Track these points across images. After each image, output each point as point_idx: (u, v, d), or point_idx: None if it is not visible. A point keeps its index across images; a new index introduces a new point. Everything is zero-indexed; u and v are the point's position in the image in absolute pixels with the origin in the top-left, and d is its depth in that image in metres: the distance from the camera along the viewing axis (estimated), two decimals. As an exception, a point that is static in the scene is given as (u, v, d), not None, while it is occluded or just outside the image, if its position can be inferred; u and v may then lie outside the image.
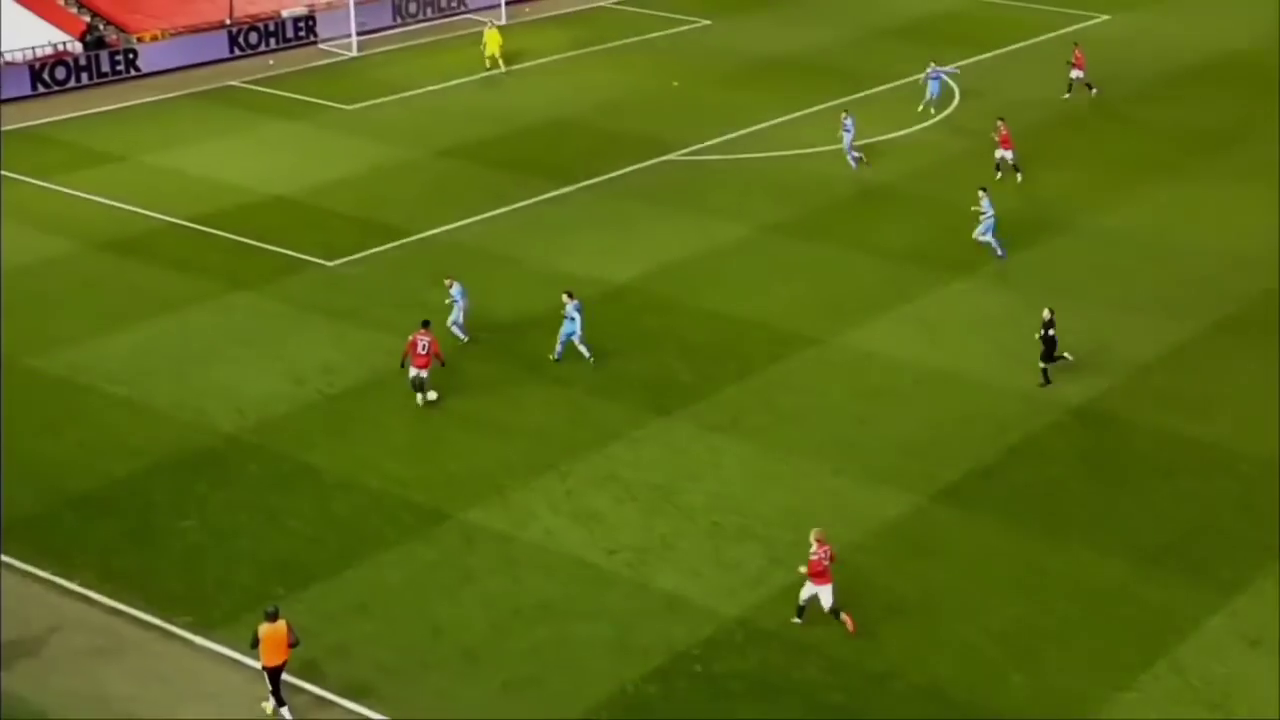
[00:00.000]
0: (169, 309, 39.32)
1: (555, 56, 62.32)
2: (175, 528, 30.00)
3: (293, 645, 24.91)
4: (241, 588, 28.18)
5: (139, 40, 60.67)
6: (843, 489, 31.47)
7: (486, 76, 59.22)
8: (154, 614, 27.26)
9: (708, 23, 67.37)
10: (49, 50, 58.45)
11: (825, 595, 27.23)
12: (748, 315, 38.99)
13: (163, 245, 43.39)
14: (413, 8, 67.23)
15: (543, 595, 28.12)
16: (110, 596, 27.73)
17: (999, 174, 48.03)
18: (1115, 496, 31.35)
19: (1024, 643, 27.04)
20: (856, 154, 49.23)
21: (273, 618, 24.84)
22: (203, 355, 36.92)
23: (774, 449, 32.93)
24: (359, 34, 63.27)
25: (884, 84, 57.96)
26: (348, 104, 56.19)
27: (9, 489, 31.17)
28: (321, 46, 63.60)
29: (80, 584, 28.14)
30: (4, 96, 56.02)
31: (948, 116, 54.55)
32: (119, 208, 46.10)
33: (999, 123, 48.83)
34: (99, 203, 46.60)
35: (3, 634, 26.56)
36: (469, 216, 45.36)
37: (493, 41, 60.52)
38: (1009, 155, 48.07)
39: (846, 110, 50.67)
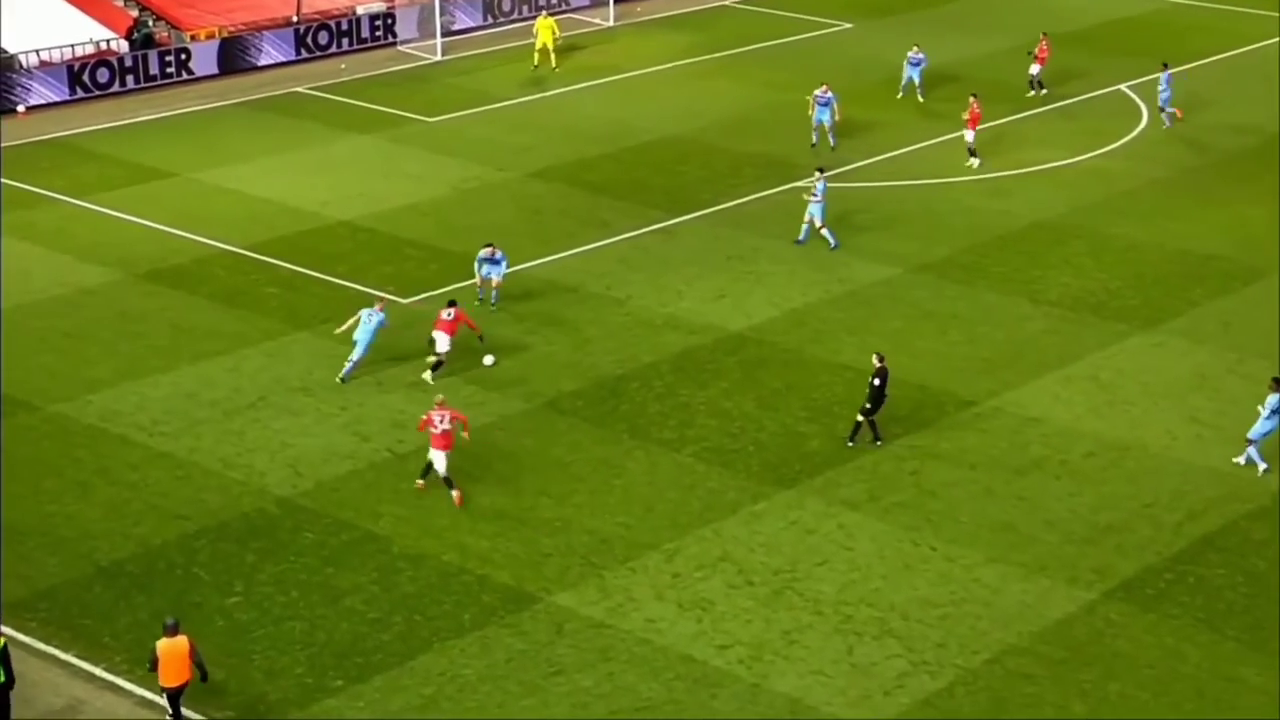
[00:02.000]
0: (218, 350, 39.77)
1: (669, 64, 62.56)
2: (219, 605, 30.22)
3: (198, 666, 26.25)
4: (293, 677, 28.28)
5: (192, 39, 61.72)
6: (998, 581, 31.06)
7: (545, 76, 60.39)
8: (191, 706, 27.34)
9: (848, 26, 67.35)
10: (90, 49, 59.62)
11: (439, 461, 32.43)
12: (891, 371, 38.58)
13: (213, 276, 43.97)
14: (506, 5, 67.87)
15: (642, 696, 27.95)
16: (141, 684, 27.85)
17: (976, 158, 50.88)
18: (1328, 598, 30.69)
19: (1214, 771, 26.51)
20: (816, 136, 52.49)
21: (172, 631, 26.03)
22: (255, 405, 37.27)
23: (917, 530, 32.61)
24: (444, 35, 63.94)
25: (1053, 102, 57.52)
26: (429, 115, 56.73)
27: (31, 556, 31.56)
28: (401, 49, 64.34)
29: (107, 668, 28.35)
30: (39, 101, 57.20)
31: (1129, 141, 54.07)
32: (165, 232, 46.80)
33: (971, 99, 50.92)
34: (142, 225, 47.33)
35: (16, 725, 26.86)
36: (565, 249, 45.52)
37: (545, 31, 61.07)
38: (969, 136, 50.86)
39: (825, 84, 52.24)
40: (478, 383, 38.02)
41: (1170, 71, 54.47)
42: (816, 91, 52.54)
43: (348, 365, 38.09)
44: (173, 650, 26.10)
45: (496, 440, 35.75)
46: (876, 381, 35.26)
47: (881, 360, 35.55)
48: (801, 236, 45.33)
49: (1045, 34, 58.75)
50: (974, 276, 43.98)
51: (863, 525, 32.77)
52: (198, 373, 38.70)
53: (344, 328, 38.35)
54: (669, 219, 47.77)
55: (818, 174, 45.41)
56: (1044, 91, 57.60)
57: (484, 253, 41.75)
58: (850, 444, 35.42)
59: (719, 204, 48.81)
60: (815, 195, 44.83)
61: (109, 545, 31.93)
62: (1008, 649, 29.03)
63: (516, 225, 47.16)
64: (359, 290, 42.59)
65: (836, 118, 52.34)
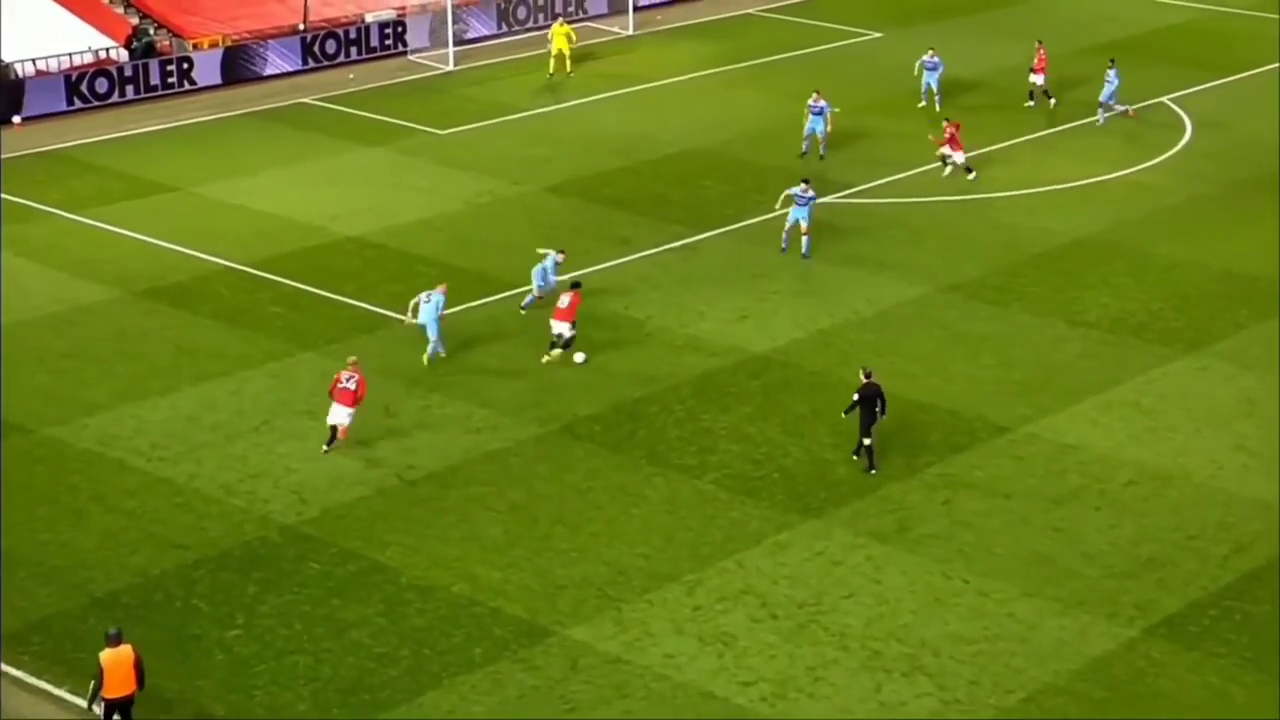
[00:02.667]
0: (220, 371, 39.80)
1: (692, 74, 62.58)
2: (219, 638, 30.17)
3: (140, 676, 26.74)
4: (296, 714, 28.22)
5: (195, 47, 61.86)
6: (1034, 616, 30.92)
7: (550, 83, 61.19)
8: (190, 743, 27.43)
9: (878, 35, 67.33)
10: (89, 58, 59.78)
11: (339, 415, 35.61)
12: (920, 396, 38.61)
13: (216, 293, 44.02)
14: (521, 13, 67.94)
15: (661, 736, 27.90)
16: (138, 720, 27.92)
17: (947, 172, 50.98)
18: (1381, 636, 30.50)
19: (1261, 818, 26.34)
20: (821, 148, 53.16)
21: (115, 641, 26.78)
22: (258, 429, 37.27)
23: (949, 562, 32.49)
24: (456, 44, 64.02)
25: (1093, 113, 57.41)
26: (441, 128, 56.80)
27: (24, 586, 31.54)
28: (411, 58, 64.45)
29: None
30: (35, 111, 57.33)
31: (1173, 155, 53.97)
32: (165, 248, 46.87)
33: (945, 124, 51.23)
34: (142, 241, 47.41)
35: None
36: (582, 267, 45.43)
37: (559, 39, 61.77)
38: (958, 157, 50.92)
39: (818, 91, 52.66)
40: (491, 406, 38.01)
41: (1116, 69, 56.19)
42: (809, 100, 52.68)
43: (430, 348, 39.78)
44: (117, 660, 26.57)
45: (510, 466, 35.72)
46: (855, 397, 35.31)
47: (868, 376, 35.60)
48: (783, 245, 46.02)
49: (1040, 42, 58.81)
50: (1008, 297, 43.87)
51: (891, 557, 32.64)
52: (199, 395, 38.72)
53: (409, 320, 40.37)
54: (691, 236, 47.73)
55: (804, 185, 45.90)
56: (1053, 103, 57.76)
57: (554, 258, 42.26)
58: (872, 472, 35.36)
59: (743, 220, 48.75)
60: (799, 202, 45.62)
61: (105, 575, 31.90)
62: (1044, 688, 28.86)
63: (531, 241, 47.06)
64: (367, 309, 42.62)
65: (829, 128, 52.64)
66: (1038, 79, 57.95)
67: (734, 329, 41.97)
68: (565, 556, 32.60)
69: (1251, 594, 31.57)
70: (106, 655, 26.61)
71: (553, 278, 42.38)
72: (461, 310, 42.58)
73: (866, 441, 35.38)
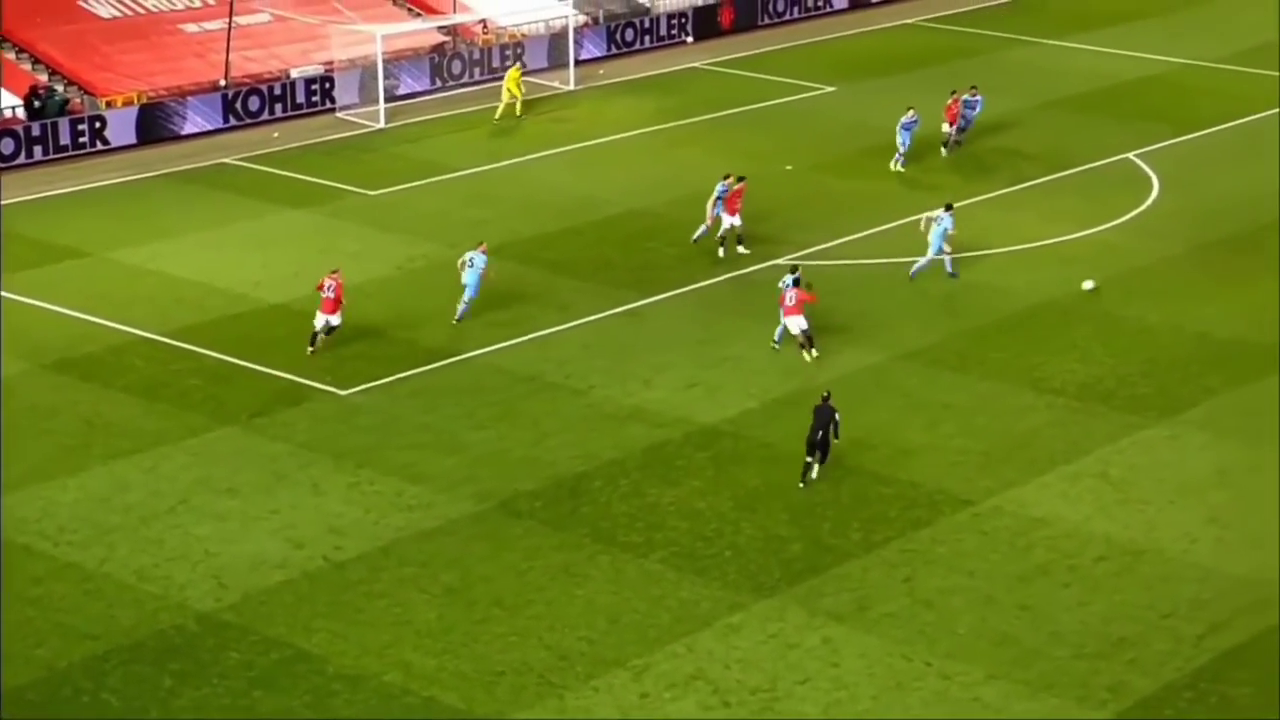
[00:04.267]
0: (134, 448, 39.55)
1: (636, 131, 62.83)
2: (132, 733, 29.87)
3: None
4: (214, 814, 27.96)
5: (108, 105, 61.80)
6: (1001, 700, 30.86)
7: (499, 127, 62.65)
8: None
9: (830, 89, 67.76)
10: (-7, 117, 59.65)
11: (321, 322, 42.56)
12: (879, 468, 38.65)
13: (130, 366, 43.80)
14: (456, 68, 68.18)
15: (605, 833, 27.72)
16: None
17: (721, 249, 50.23)
18: (1365, 717, 30.54)
19: None
20: (705, 227, 51.38)
21: None
22: (175, 509, 36.99)
23: (910, 644, 32.42)
24: (387, 100, 64.15)
25: (1056, 171, 57.82)
26: (370, 188, 56.81)
27: (-78, 678, 31.24)
28: (340, 115, 64.54)
29: (7, 806, 28.03)
30: (-61, 174, 57.16)
31: (1140, 214, 54.35)
32: (77, 317, 46.65)
33: (725, 181, 50.34)
34: (51, 311, 47.16)
35: None
36: (520, 334, 45.47)
37: (512, 81, 63.53)
38: (735, 222, 50.24)
39: (729, 174, 51.25)
40: (423, 482, 37.84)
41: (980, 96, 59.64)
42: (720, 185, 50.72)
43: (461, 307, 45.19)
44: None
45: (444, 546, 35.54)
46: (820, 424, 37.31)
47: (826, 399, 37.70)
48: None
49: (955, 91, 59.74)
50: (969, 363, 43.99)
51: (850, 638, 32.55)
52: (111, 474, 38.43)
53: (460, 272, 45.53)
54: (636, 300, 47.77)
55: (945, 209, 48.70)
56: (945, 152, 59.28)
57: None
58: (800, 485, 37.29)
59: (691, 284, 48.84)
60: (939, 223, 48.31)
61: (8, 669, 31.46)
62: (1012, 776, 28.87)
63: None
64: (293, 380, 42.45)
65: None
66: (946, 128, 58.72)
67: (682, 398, 41.95)
68: (504, 641, 32.40)
69: (1228, 675, 31.57)
70: None
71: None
72: (391, 381, 42.49)
73: (808, 459, 37.16)
